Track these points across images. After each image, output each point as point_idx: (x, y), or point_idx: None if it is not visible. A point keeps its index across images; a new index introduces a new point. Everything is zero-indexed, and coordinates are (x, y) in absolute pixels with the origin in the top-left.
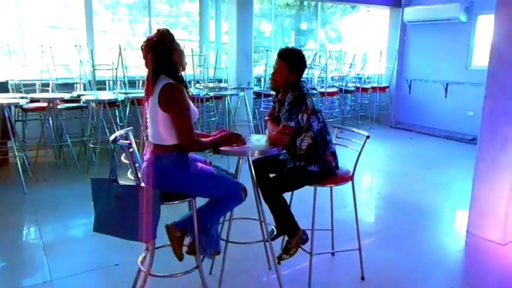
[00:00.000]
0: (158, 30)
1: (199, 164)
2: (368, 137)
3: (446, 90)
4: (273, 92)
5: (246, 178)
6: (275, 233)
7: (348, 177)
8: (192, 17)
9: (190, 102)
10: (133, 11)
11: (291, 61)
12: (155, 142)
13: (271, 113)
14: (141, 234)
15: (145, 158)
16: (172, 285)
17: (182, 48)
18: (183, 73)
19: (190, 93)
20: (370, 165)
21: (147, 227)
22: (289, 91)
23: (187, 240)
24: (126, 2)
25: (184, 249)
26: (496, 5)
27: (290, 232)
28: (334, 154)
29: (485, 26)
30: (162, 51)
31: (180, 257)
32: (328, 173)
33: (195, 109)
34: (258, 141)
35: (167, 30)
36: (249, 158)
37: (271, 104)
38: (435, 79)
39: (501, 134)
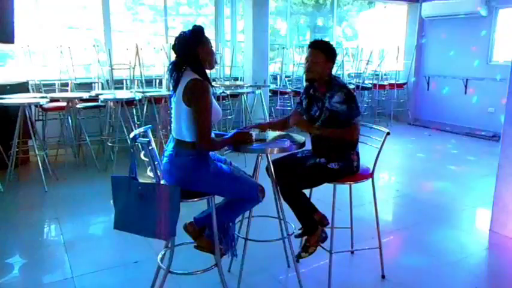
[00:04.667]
0: (192, 27)
1: (219, 164)
2: (388, 133)
3: (466, 86)
4: (289, 90)
5: (264, 176)
6: (300, 231)
7: (367, 175)
8: (210, 15)
9: (214, 101)
10: (151, 11)
11: (326, 50)
12: (178, 138)
13: (296, 112)
14: (161, 231)
15: (166, 153)
16: (191, 282)
17: (212, 47)
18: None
19: (215, 91)
20: (388, 162)
21: (167, 225)
22: (330, 88)
23: None
24: (145, 2)
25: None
26: None
27: (309, 230)
28: (358, 154)
29: (507, 20)
30: (187, 45)
31: (212, 249)
32: (348, 171)
33: (219, 108)
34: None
35: (198, 27)
36: (268, 156)
37: (297, 100)
38: (454, 75)
39: None
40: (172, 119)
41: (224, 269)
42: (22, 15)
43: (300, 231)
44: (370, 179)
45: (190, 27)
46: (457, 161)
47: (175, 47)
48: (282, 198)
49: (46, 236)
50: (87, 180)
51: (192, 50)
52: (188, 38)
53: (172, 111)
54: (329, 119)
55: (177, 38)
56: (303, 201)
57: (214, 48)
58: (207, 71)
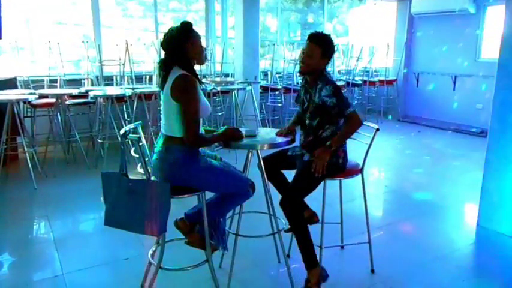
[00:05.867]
0: (181, 23)
1: (209, 159)
2: (378, 129)
3: (454, 83)
4: (279, 86)
5: (254, 172)
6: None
7: (357, 170)
8: (200, 11)
9: (203, 96)
10: (141, 6)
11: (324, 45)
12: (167, 134)
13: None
14: (152, 228)
15: (156, 149)
16: (182, 278)
17: (201, 43)
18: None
19: (204, 87)
20: (377, 158)
21: (158, 221)
22: (319, 82)
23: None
24: None
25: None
26: None
27: (308, 263)
28: (345, 152)
29: (495, 18)
30: (176, 42)
31: (202, 245)
32: (335, 167)
33: (208, 104)
34: (267, 134)
35: (187, 23)
36: (259, 151)
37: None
38: (443, 72)
39: None
40: (162, 115)
41: (215, 265)
42: (10, 10)
43: (290, 226)
44: (360, 175)
45: (178, 24)
46: (445, 157)
47: (163, 44)
48: (271, 194)
49: (36, 234)
50: (77, 177)
51: (181, 47)
52: (177, 34)
53: (162, 108)
54: (316, 111)
55: (165, 35)
56: (303, 226)
57: (204, 44)
58: (197, 67)
